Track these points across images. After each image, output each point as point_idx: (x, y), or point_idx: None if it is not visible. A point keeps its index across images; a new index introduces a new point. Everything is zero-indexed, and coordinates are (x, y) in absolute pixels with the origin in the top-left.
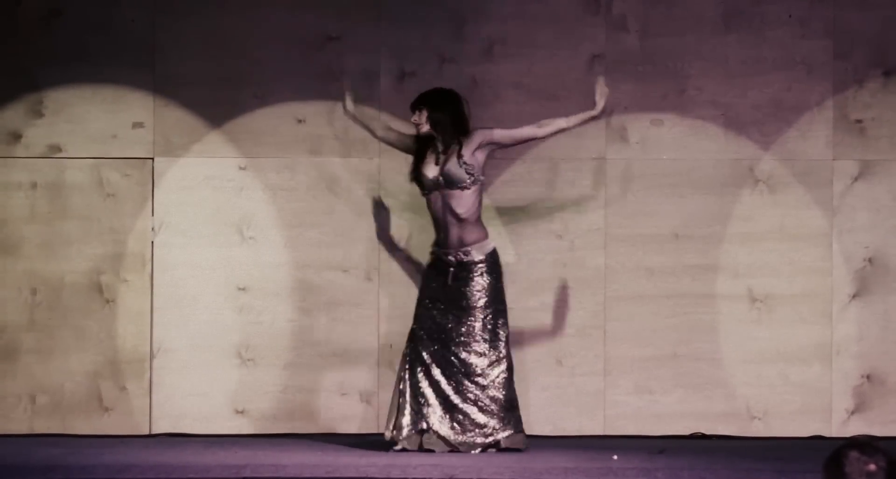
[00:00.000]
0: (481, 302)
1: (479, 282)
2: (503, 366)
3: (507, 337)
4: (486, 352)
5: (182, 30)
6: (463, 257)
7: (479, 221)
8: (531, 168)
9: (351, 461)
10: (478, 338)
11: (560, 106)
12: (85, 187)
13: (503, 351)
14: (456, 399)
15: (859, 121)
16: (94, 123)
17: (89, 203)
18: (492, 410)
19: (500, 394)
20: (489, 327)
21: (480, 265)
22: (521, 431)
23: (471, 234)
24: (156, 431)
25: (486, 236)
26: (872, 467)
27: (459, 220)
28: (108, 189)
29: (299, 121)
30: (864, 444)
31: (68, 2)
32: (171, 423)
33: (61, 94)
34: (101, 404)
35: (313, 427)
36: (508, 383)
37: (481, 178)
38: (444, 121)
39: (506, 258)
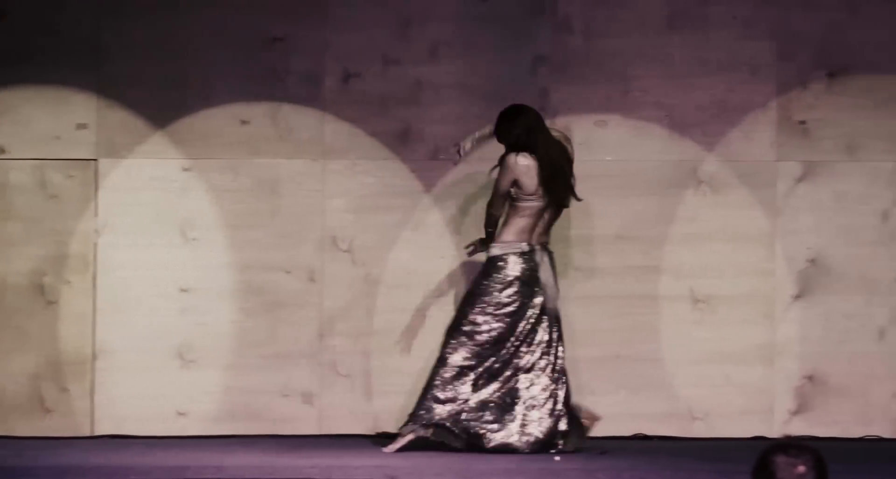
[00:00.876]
0: None
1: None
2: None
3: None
4: None
5: (127, 31)
6: None
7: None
8: (475, 169)
9: (292, 462)
10: None
11: (504, 107)
12: (28, 188)
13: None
14: None
15: (803, 122)
16: (37, 125)
17: (32, 204)
18: None
19: None
20: None
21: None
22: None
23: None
24: (98, 432)
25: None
26: (802, 468)
27: None
28: (51, 190)
29: (243, 122)
30: (789, 446)
31: (13, 3)
32: (114, 424)
33: (4, 95)
34: (42, 405)
35: (255, 428)
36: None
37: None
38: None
39: (450, 262)
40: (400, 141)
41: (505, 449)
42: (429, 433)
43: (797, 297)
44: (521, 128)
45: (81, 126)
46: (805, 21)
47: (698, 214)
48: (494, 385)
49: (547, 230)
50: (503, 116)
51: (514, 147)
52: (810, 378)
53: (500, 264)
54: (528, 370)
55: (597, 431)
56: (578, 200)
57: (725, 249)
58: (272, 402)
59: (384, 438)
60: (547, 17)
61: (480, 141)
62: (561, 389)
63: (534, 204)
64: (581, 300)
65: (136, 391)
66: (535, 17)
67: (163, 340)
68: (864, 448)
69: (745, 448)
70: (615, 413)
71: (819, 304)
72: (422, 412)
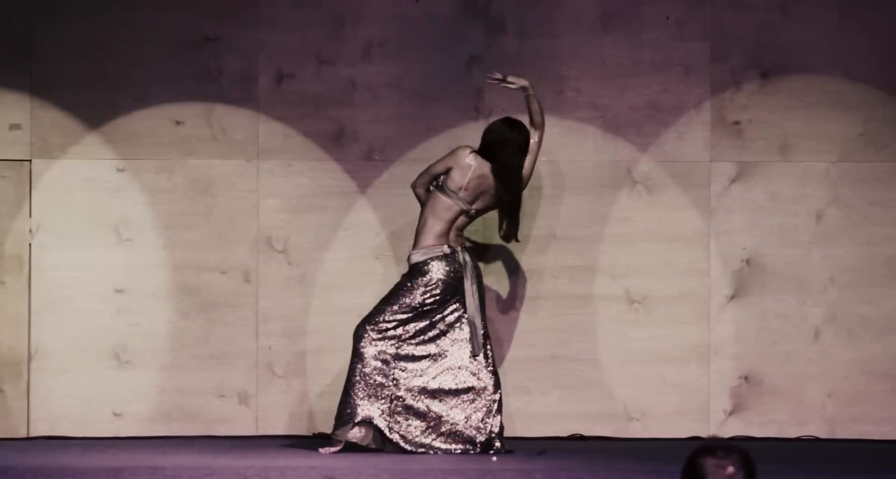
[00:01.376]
0: None
1: None
2: None
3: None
4: None
5: (60, 31)
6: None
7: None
8: (409, 170)
9: (229, 462)
10: None
11: (438, 107)
12: None
13: None
14: None
15: (737, 123)
16: None
17: None
18: None
19: None
20: None
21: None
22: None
23: None
24: (33, 433)
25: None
26: (731, 469)
27: None
28: None
29: (177, 122)
30: (715, 447)
31: None
32: (49, 425)
33: None
34: None
35: (191, 429)
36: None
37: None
38: None
39: (385, 262)
40: (334, 141)
41: (427, 449)
42: (360, 433)
43: (732, 297)
44: (499, 138)
45: (15, 126)
46: (738, 22)
47: (633, 215)
48: (416, 382)
49: (461, 232)
50: (505, 123)
51: (481, 147)
52: (746, 378)
53: (425, 268)
54: (451, 368)
55: (533, 431)
56: (517, 241)
57: (660, 249)
58: (208, 402)
59: (321, 438)
60: (481, 17)
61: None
62: (487, 390)
63: (452, 204)
64: (516, 301)
65: (72, 392)
66: (468, 18)
67: (98, 340)
68: (799, 448)
69: (682, 448)
70: (552, 414)
71: (754, 304)
72: (347, 411)
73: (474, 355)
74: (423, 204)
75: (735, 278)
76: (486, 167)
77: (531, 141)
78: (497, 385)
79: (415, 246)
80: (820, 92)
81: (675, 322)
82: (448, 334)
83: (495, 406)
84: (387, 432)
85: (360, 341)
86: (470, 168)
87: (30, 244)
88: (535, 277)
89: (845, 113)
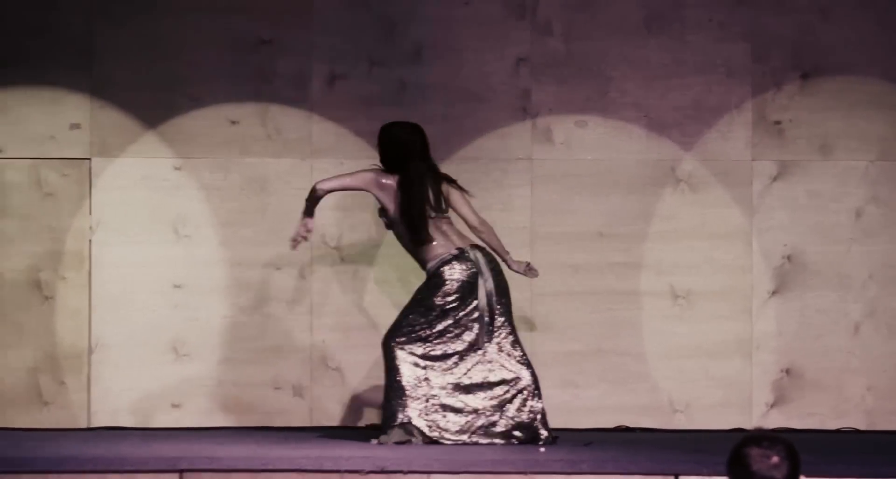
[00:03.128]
0: None
1: None
2: None
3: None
4: None
5: (118, 34)
6: None
7: None
8: (458, 169)
9: (284, 453)
10: None
11: (486, 107)
12: (24, 187)
13: None
14: None
15: (777, 122)
16: (32, 125)
17: (28, 202)
18: None
19: None
20: None
21: None
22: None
23: None
24: (94, 424)
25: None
26: (776, 459)
27: None
28: (46, 189)
29: (232, 122)
30: (760, 438)
31: (7, 6)
32: (109, 417)
33: (0, 96)
34: (40, 398)
35: (247, 421)
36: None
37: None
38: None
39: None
40: None
41: (466, 443)
42: (404, 436)
43: (774, 293)
44: (401, 146)
45: (75, 126)
46: (779, 24)
47: (677, 212)
48: (448, 379)
49: (458, 231)
50: (401, 129)
51: (383, 158)
52: (787, 372)
53: (440, 272)
54: (480, 362)
55: (580, 423)
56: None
57: (703, 246)
58: (264, 395)
59: (372, 429)
60: (528, 19)
61: None
62: (520, 380)
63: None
64: (564, 296)
65: (131, 384)
66: (516, 20)
67: (157, 334)
68: (839, 440)
69: (725, 440)
70: (598, 406)
71: (795, 299)
72: (388, 416)
73: (479, 347)
74: (398, 238)
75: (776, 274)
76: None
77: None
78: (531, 374)
79: (426, 264)
80: (858, 92)
81: (718, 317)
82: (473, 330)
83: (531, 394)
84: (427, 431)
85: (390, 352)
86: (392, 187)
87: (90, 241)
88: (581, 273)
89: (883, 113)
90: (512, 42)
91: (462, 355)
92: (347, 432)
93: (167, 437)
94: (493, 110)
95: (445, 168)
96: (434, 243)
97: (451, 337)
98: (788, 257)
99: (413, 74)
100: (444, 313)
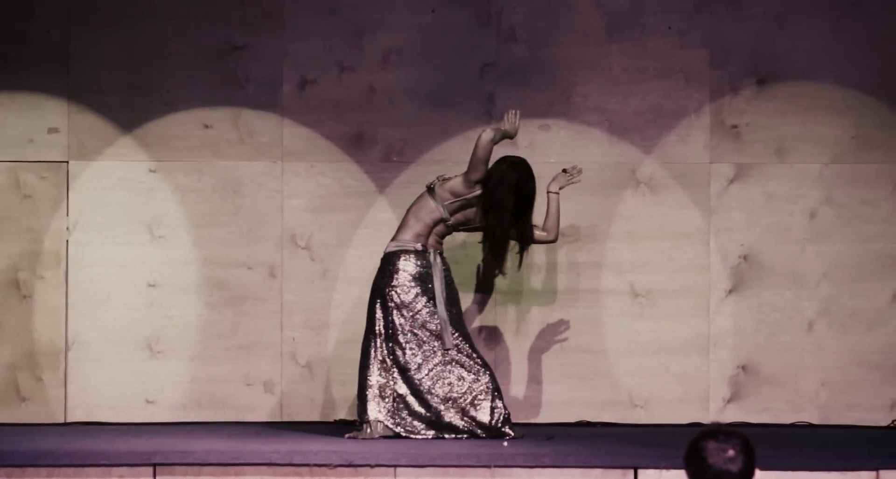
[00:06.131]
0: None
1: None
2: None
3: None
4: None
5: (95, 40)
6: None
7: None
8: (425, 170)
9: (255, 447)
10: None
11: (452, 112)
12: (3, 189)
13: None
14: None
15: (735, 126)
16: (11, 129)
17: (7, 204)
18: None
19: None
20: None
21: None
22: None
23: None
24: (70, 419)
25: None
26: (732, 452)
27: None
28: (25, 191)
29: (206, 126)
30: (717, 432)
31: None
32: (86, 412)
33: None
34: (18, 394)
35: (220, 416)
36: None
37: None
38: None
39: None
40: (354, 144)
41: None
42: (374, 433)
43: (731, 291)
44: (498, 176)
45: (53, 130)
46: (736, 31)
47: (637, 213)
48: (411, 380)
49: (440, 240)
50: (511, 165)
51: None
52: (743, 368)
53: (394, 259)
54: (439, 364)
55: (543, 418)
56: (503, 274)
57: (663, 245)
58: (236, 391)
59: (341, 424)
60: (492, 27)
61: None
62: (478, 380)
63: (435, 208)
64: (528, 294)
65: (107, 381)
66: (481, 27)
67: (132, 332)
68: (793, 434)
69: (683, 434)
70: (561, 401)
71: (751, 298)
72: (361, 413)
73: (446, 350)
74: (412, 204)
75: (733, 273)
76: (478, 191)
77: (540, 233)
78: (490, 375)
79: (392, 240)
80: (814, 97)
81: (677, 315)
82: (429, 331)
83: (491, 395)
84: (394, 428)
85: (363, 350)
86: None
87: (67, 241)
88: (545, 272)
89: (838, 117)
90: (477, 48)
91: (423, 355)
92: (316, 427)
93: (142, 432)
94: (458, 114)
95: (413, 171)
96: (414, 232)
97: (409, 338)
98: (745, 257)
99: (382, 80)
100: (400, 308)
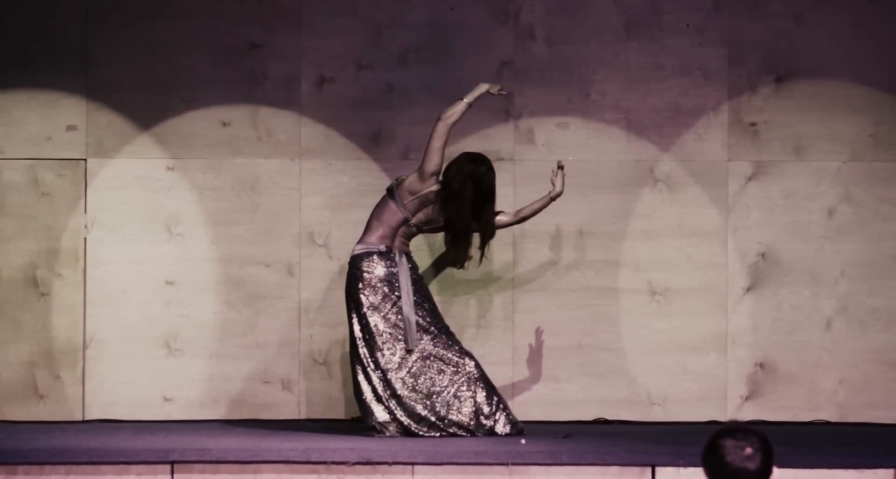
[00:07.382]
0: None
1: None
2: None
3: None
4: None
5: (113, 38)
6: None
7: None
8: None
9: (272, 445)
10: None
11: (470, 109)
12: (21, 187)
13: None
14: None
15: (753, 124)
16: (30, 126)
17: (25, 202)
18: None
19: None
20: None
21: None
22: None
23: None
24: (88, 417)
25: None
26: (750, 450)
27: None
28: (43, 188)
29: (224, 124)
30: (735, 430)
31: (5, 11)
32: (103, 410)
33: None
34: (36, 392)
35: (237, 414)
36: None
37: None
38: None
39: (418, 255)
40: (372, 142)
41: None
42: (383, 433)
43: (748, 289)
44: (456, 167)
45: (71, 128)
46: (754, 29)
47: (655, 211)
48: (398, 380)
49: (406, 241)
50: (467, 157)
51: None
52: (761, 366)
53: (360, 263)
54: (419, 359)
55: (560, 416)
56: (462, 268)
57: (681, 244)
58: (253, 389)
59: (358, 422)
60: (511, 24)
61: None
62: (465, 368)
63: (396, 210)
64: (546, 293)
65: (125, 378)
66: (500, 25)
67: (150, 330)
68: (811, 432)
69: (700, 432)
70: (578, 399)
71: (769, 296)
72: (367, 417)
73: (409, 351)
74: (374, 207)
75: (751, 271)
76: (435, 187)
77: (505, 214)
78: (475, 363)
79: (357, 243)
80: (832, 95)
81: (695, 313)
82: (403, 331)
83: (476, 383)
84: (404, 425)
85: (350, 356)
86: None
87: (85, 239)
88: (562, 270)
89: (856, 115)
90: (495, 46)
91: (402, 354)
92: (334, 424)
93: (159, 430)
94: (476, 112)
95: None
96: (378, 234)
97: (387, 340)
98: (763, 255)
99: (399, 78)
100: (375, 309)
